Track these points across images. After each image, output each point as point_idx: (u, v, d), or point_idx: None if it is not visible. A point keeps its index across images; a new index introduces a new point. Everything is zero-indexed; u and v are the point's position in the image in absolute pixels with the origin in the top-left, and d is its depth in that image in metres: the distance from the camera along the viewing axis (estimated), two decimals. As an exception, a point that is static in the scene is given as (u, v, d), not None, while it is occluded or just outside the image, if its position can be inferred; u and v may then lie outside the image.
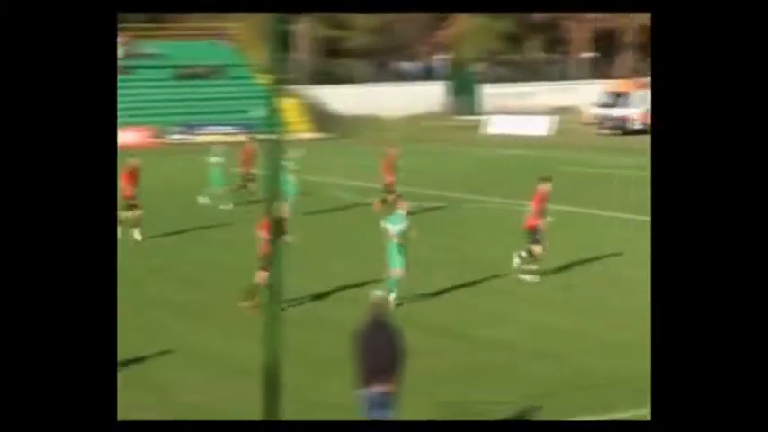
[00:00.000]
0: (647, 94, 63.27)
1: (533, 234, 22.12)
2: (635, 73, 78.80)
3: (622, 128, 62.76)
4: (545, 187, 22.37)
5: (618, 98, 64.34)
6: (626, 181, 39.19)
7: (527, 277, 22.10)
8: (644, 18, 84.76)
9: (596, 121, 64.15)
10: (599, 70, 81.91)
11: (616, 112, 63.49)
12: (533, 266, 22.19)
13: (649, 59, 72.69)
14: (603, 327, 18.47)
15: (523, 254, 22.24)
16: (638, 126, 62.20)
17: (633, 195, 34.13)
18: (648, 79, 68.23)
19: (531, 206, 22.31)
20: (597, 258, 24.56)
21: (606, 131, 62.96)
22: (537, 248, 22.04)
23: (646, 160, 47.32)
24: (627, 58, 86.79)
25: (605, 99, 64.94)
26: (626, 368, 15.79)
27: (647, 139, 59.10)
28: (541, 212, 22.13)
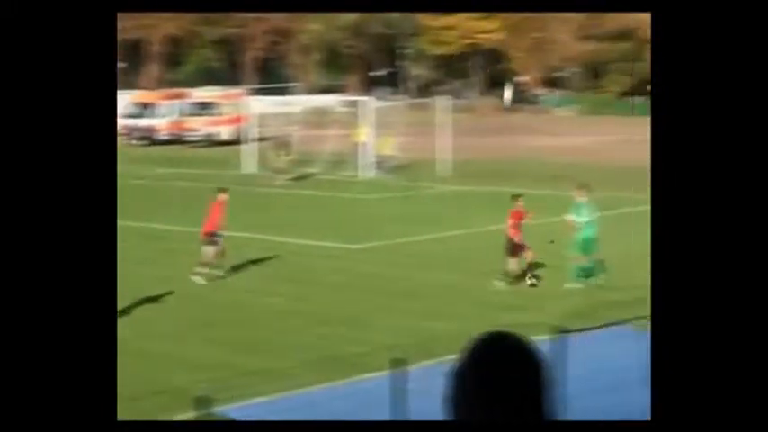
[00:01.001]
0: (173, 104, 64.06)
1: (210, 239, 23.82)
2: (160, 84, 79.17)
3: (150, 138, 62.96)
4: (223, 197, 24.39)
5: (145, 109, 64.49)
6: (158, 191, 39.29)
7: (215, 271, 23.52)
8: (168, 28, 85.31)
9: (124, 131, 63.92)
10: (126, 81, 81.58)
11: (143, 122, 63.58)
12: (218, 271, 23.59)
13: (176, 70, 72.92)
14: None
15: (202, 268, 23.56)
16: (164, 136, 62.67)
17: (169, 206, 34.35)
18: (175, 90, 69.04)
19: (210, 214, 24.12)
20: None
21: (134, 142, 62.89)
22: (210, 252, 23.70)
23: (176, 171, 47.61)
24: (153, 69, 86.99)
25: (132, 110, 64.84)
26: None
27: (174, 149, 59.86)
28: (217, 220, 24.02)
